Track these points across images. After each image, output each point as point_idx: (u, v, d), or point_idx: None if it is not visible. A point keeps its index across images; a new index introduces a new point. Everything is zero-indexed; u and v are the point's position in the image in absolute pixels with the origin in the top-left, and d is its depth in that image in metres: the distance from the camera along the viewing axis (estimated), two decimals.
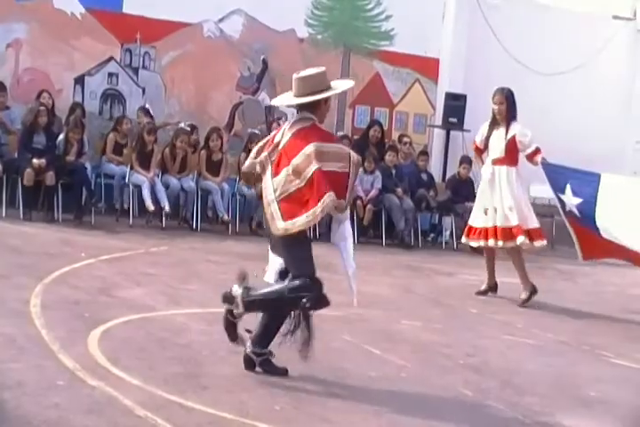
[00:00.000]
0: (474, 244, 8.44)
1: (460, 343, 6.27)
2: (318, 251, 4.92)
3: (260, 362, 4.90)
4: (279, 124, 11.75)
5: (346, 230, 4.97)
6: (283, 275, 4.89)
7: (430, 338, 6.36)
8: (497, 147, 8.12)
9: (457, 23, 13.73)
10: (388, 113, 13.69)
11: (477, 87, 12.02)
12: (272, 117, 12.62)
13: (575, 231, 8.05)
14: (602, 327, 7.43)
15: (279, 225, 4.76)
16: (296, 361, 4.94)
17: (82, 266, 7.66)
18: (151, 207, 10.63)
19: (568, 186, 7.77)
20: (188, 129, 11.49)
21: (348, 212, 5.00)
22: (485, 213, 8.13)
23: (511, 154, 8.08)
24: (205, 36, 12.43)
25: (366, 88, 13.17)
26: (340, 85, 5.14)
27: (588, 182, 7.69)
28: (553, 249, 11.69)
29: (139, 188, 10.81)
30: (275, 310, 4.90)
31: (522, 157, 8.17)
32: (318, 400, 4.60)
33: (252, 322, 4.98)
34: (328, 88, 4.95)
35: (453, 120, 13.28)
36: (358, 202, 11.31)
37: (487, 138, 8.22)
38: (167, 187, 10.94)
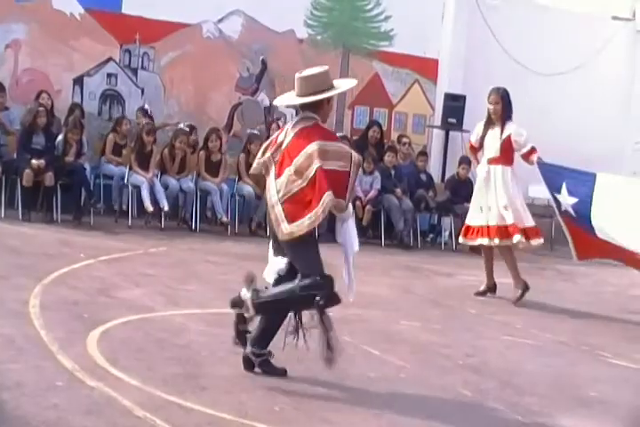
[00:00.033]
0: (471, 243, 8.46)
1: (460, 344, 6.27)
2: None
3: (260, 363, 4.88)
4: (278, 125, 11.80)
5: (350, 229, 4.95)
6: (287, 275, 4.86)
7: (429, 339, 6.36)
8: (492, 146, 8.14)
9: (456, 24, 13.73)
10: (388, 113, 13.69)
11: (476, 88, 12.00)
12: (271, 118, 12.62)
13: (570, 231, 8.05)
14: (601, 328, 7.43)
15: (285, 229, 4.73)
16: (295, 362, 4.95)
17: (81, 267, 7.65)
18: (150, 208, 10.63)
19: (564, 185, 7.78)
20: (187, 130, 11.49)
21: (351, 209, 4.97)
22: (481, 212, 8.15)
23: (506, 153, 8.10)
24: (204, 36, 12.42)
25: (365, 89, 13.17)
26: (342, 85, 5.12)
27: (583, 182, 7.70)
28: (552, 249, 11.70)
29: (138, 188, 10.81)
30: (286, 310, 4.86)
31: (519, 157, 8.19)
32: (317, 401, 4.60)
33: (254, 322, 4.98)
34: (331, 87, 4.93)
35: (452, 121, 13.27)
36: (357, 202, 11.30)
37: (482, 137, 8.24)
38: (166, 187, 10.93)
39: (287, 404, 4.48)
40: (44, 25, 11.49)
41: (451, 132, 13.50)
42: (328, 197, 4.61)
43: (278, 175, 4.85)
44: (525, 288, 8.10)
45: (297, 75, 4.93)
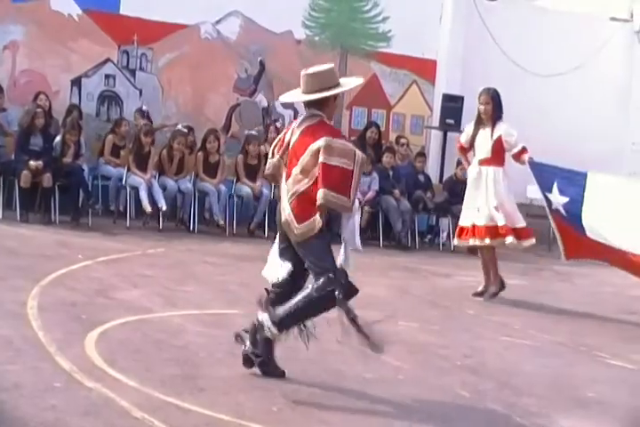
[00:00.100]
0: (464, 244, 8.48)
1: (457, 345, 6.28)
2: None
3: (259, 363, 4.87)
4: (276, 127, 11.83)
5: (355, 225, 4.92)
6: (286, 285, 4.83)
7: (427, 339, 6.36)
8: (483, 147, 8.16)
9: (454, 24, 13.74)
10: (386, 114, 13.70)
11: (475, 89, 11.87)
12: (269, 119, 12.63)
13: (559, 230, 8.07)
14: (598, 328, 7.43)
15: (296, 230, 4.71)
16: (294, 363, 4.94)
17: (79, 268, 7.65)
18: (148, 208, 10.62)
19: (555, 185, 7.81)
20: (185, 131, 11.48)
21: (357, 205, 4.94)
22: (473, 212, 8.17)
23: (498, 154, 8.13)
24: (202, 37, 12.42)
25: (363, 90, 13.15)
26: (349, 83, 5.10)
27: (575, 181, 7.73)
28: (550, 250, 11.69)
29: (136, 189, 10.81)
30: (310, 316, 4.76)
31: (510, 158, 8.20)
32: (315, 402, 4.60)
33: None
34: (337, 85, 4.89)
35: (450, 121, 13.27)
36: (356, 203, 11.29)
37: (473, 138, 8.26)
38: (164, 188, 10.93)
39: (285, 405, 4.48)
40: (42, 26, 11.49)
41: (449, 133, 13.49)
42: (325, 193, 4.58)
43: (287, 176, 4.83)
44: (502, 287, 8.18)
45: (303, 72, 4.90)
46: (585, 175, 7.73)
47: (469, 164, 8.41)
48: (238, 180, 11.48)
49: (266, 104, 12.73)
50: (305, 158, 4.71)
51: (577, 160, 9.65)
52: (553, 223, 8.11)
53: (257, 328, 4.75)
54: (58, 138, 10.52)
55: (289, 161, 4.86)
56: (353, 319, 4.67)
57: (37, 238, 9.07)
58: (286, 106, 12.53)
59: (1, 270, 7.07)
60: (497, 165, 8.12)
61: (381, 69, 13.55)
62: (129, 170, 10.91)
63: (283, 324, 4.70)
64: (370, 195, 11.68)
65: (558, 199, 7.83)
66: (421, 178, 12.61)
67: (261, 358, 4.84)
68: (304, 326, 4.82)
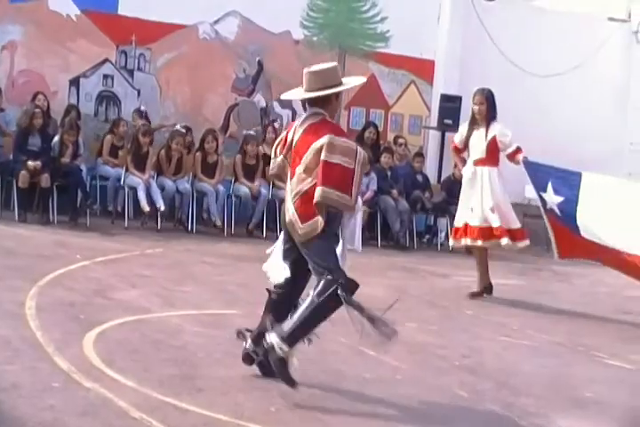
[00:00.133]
0: (458, 244, 8.49)
1: (456, 345, 6.28)
2: None
3: (259, 362, 4.86)
4: (275, 128, 11.83)
5: (356, 224, 4.91)
6: (285, 290, 4.83)
7: (426, 339, 6.36)
8: (478, 148, 8.17)
9: (452, 25, 13.74)
10: (384, 115, 13.70)
11: (472, 89, 11.91)
12: (267, 119, 12.63)
13: (553, 229, 8.08)
14: (596, 328, 7.43)
15: (300, 230, 4.69)
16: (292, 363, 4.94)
17: (77, 268, 7.65)
18: (147, 208, 10.61)
19: (550, 184, 7.82)
20: (184, 131, 11.48)
21: (360, 204, 4.92)
22: (469, 211, 8.18)
23: (492, 154, 8.14)
24: (201, 37, 12.42)
25: (361, 90, 13.13)
26: (351, 81, 5.09)
27: (569, 181, 7.75)
28: (548, 251, 11.67)
29: (134, 190, 10.81)
30: (319, 322, 4.69)
31: (505, 158, 8.21)
32: (314, 402, 4.60)
33: (253, 323, 4.98)
34: (340, 83, 4.89)
35: (448, 122, 13.25)
36: None
37: (467, 138, 8.27)
38: (162, 189, 10.92)
39: (283, 405, 4.49)
40: (40, 26, 11.49)
41: (447, 134, 13.45)
42: (323, 192, 4.55)
43: (292, 176, 4.82)
44: (489, 289, 8.20)
45: (306, 70, 4.88)
46: (579, 175, 7.75)
47: (464, 164, 8.42)
48: (236, 180, 11.48)
49: (264, 104, 12.73)
50: (308, 157, 4.69)
51: (575, 160, 9.66)
52: (547, 223, 8.12)
53: (268, 351, 4.64)
54: (56, 138, 10.52)
55: (292, 160, 4.85)
56: (366, 313, 4.61)
57: (35, 238, 9.07)
58: (284, 106, 12.54)
59: None
60: (491, 166, 8.13)
61: (379, 70, 13.55)
62: (127, 170, 10.90)
63: (292, 337, 4.61)
64: (368, 195, 11.67)
65: (553, 199, 7.84)
66: (419, 178, 12.61)
67: (261, 358, 4.83)
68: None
